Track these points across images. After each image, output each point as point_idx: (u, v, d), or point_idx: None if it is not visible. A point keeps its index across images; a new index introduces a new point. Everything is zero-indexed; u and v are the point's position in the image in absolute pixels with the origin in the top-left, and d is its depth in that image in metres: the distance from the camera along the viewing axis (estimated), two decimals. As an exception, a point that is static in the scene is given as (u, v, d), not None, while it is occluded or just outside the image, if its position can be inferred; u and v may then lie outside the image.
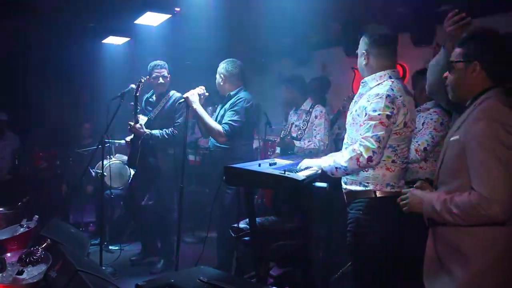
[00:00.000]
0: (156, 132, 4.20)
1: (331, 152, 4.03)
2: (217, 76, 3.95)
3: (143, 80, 4.10)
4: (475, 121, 1.70)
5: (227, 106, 3.83)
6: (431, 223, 1.89)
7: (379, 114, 2.26)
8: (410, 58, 4.52)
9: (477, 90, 1.83)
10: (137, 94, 4.11)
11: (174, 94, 4.33)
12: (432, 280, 1.89)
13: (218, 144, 3.80)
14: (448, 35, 2.25)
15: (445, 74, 1.95)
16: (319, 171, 2.53)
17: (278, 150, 4.49)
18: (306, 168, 2.57)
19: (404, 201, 1.94)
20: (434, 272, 1.88)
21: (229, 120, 3.68)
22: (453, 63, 1.88)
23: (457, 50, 1.89)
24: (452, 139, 1.83)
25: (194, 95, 3.56)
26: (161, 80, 4.31)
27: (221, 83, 3.92)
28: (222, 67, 3.91)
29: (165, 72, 4.34)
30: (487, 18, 4.20)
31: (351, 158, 2.26)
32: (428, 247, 1.94)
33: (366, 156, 2.22)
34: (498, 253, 1.70)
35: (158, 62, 4.34)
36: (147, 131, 4.16)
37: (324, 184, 2.49)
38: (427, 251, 1.95)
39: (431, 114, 3.24)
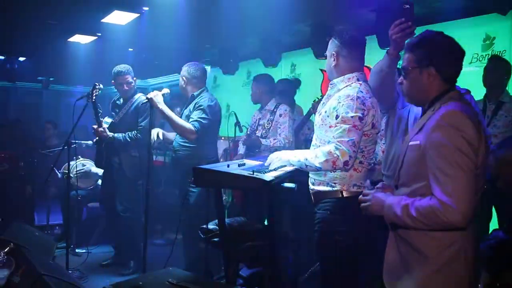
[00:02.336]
0: (119, 135, 4.20)
1: (294, 149, 4.10)
2: (180, 79, 3.98)
3: (97, 86, 4.04)
4: (434, 129, 1.72)
5: (191, 106, 3.84)
6: (392, 226, 1.91)
7: (352, 117, 2.29)
8: (376, 61, 4.60)
9: (434, 94, 1.85)
10: (94, 100, 4.07)
11: (140, 97, 4.31)
12: (392, 277, 1.93)
13: (184, 144, 3.81)
14: (393, 42, 2.32)
15: (399, 80, 1.96)
16: (288, 170, 2.55)
17: (241, 150, 4.50)
18: (276, 168, 2.58)
19: (365, 204, 1.94)
20: (395, 269, 1.92)
21: (198, 118, 3.69)
22: (407, 70, 1.89)
23: (409, 56, 1.89)
24: (411, 143, 1.84)
25: (158, 95, 3.55)
26: (125, 87, 4.31)
27: (184, 86, 3.95)
28: (185, 70, 3.94)
29: (129, 78, 4.31)
30: (446, 23, 4.37)
31: (326, 160, 2.27)
32: (389, 248, 1.97)
33: (342, 161, 2.25)
34: (455, 252, 1.74)
35: (121, 68, 4.30)
36: (110, 134, 4.15)
37: (292, 185, 2.51)
38: (388, 247, 1.98)
39: (397, 116, 3.31)
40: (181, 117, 3.87)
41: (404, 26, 2.22)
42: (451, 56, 1.84)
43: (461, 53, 1.86)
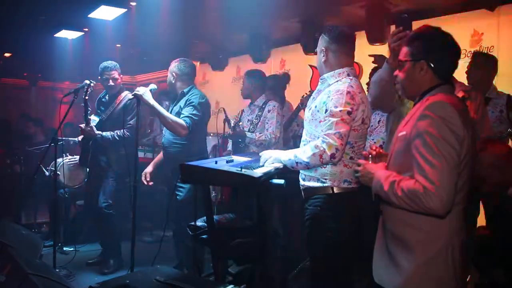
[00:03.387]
0: (107, 134, 4.14)
1: (282, 145, 4.11)
2: (169, 74, 3.95)
3: (92, 84, 3.98)
4: (420, 118, 1.74)
5: (182, 103, 3.81)
6: (377, 200, 1.91)
7: (340, 111, 2.29)
8: (365, 57, 4.61)
9: (425, 87, 1.87)
10: (86, 98, 4.01)
11: (127, 95, 4.25)
12: (380, 269, 1.94)
13: (175, 140, 3.79)
14: (392, 50, 2.34)
15: (395, 73, 1.99)
16: (277, 167, 2.54)
17: (230, 146, 4.47)
18: (264, 164, 2.57)
19: (357, 174, 1.97)
20: (383, 262, 1.92)
21: (189, 114, 3.68)
22: (401, 62, 1.93)
23: (405, 49, 1.92)
24: (400, 134, 1.87)
25: (147, 92, 3.52)
26: (111, 82, 4.26)
27: (173, 81, 3.93)
28: (174, 66, 3.91)
29: (115, 74, 4.27)
30: (435, 19, 4.38)
31: (313, 154, 2.29)
32: (378, 239, 1.98)
33: (329, 153, 2.25)
34: (442, 246, 1.76)
35: (108, 64, 4.26)
36: (98, 133, 4.10)
37: (281, 181, 2.50)
38: (376, 242, 1.99)
39: (386, 112, 3.31)
40: (171, 113, 3.85)
41: (402, 35, 2.24)
42: (445, 52, 1.85)
43: (456, 49, 1.87)
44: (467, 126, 1.71)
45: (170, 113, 3.83)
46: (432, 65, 1.83)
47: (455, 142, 1.67)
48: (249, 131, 4.17)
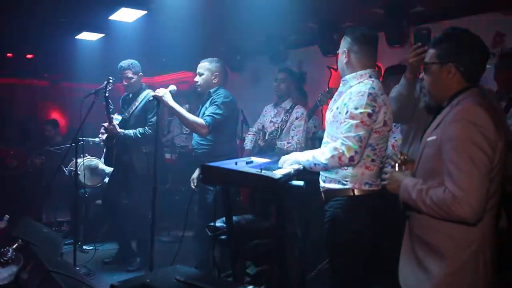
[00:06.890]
0: (129, 132, 4.18)
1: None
2: (197, 75, 3.93)
3: (111, 80, 4.04)
4: (451, 123, 1.70)
5: (207, 103, 3.82)
6: (405, 207, 1.89)
7: (360, 113, 2.27)
8: (384, 58, 4.58)
9: (453, 90, 1.83)
10: (107, 94, 4.06)
11: (149, 93, 4.29)
12: (407, 275, 1.91)
13: (201, 141, 3.79)
14: (410, 65, 2.32)
15: (421, 76, 1.96)
16: (296, 168, 2.53)
17: (248, 145, 4.41)
18: (283, 166, 2.57)
19: (384, 182, 1.95)
20: (410, 268, 1.89)
21: (210, 113, 3.67)
22: (428, 65, 1.89)
23: (431, 51, 1.88)
24: (429, 139, 1.82)
25: (167, 94, 3.54)
26: (124, 82, 4.33)
27: (201, 82, 3.90)
28: (202, 66, 3.90)
29: (129, 73, 4.31)
30: (456, 20, 4.33)
31: (332, 156, 2.28)
32: (404, 244, 1.95)
33: (348, 156, 2.24)
34: (473, 253, 1.72)
35: (122, 63, 4.34)
36: (121, 131, 4.14)
37: (301, 183, 2.49)
38: (403, 247, 1.96)
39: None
40: (198, 114, 3.86)
41: (421, 50, 2.23)
42: (472, 54, 1.81)
43: (484, 51, 1.83)
44: (500, 131, 1.67)
45: (198, 113, 3.85)
46: (461, 68, 1.80)
47: (487, 147, 1.63)
48: (271, 133, 4.12)
